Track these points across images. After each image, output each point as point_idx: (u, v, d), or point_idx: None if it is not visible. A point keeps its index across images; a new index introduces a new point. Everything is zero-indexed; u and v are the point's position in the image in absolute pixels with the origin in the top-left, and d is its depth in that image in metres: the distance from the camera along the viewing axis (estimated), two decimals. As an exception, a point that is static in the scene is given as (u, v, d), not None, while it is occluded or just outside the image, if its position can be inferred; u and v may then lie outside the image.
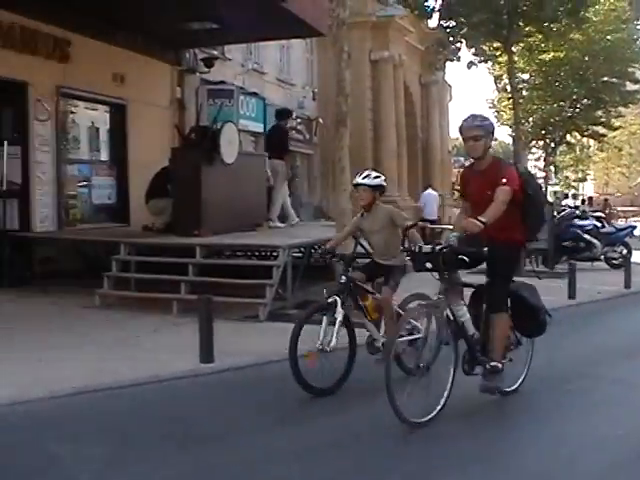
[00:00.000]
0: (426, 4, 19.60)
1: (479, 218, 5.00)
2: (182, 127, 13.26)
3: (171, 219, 10.94)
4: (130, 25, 12.23)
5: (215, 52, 16.08)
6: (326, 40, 19.95)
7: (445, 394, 5.01)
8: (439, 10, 18.72)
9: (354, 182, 6.31)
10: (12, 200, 10.74)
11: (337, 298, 5.75)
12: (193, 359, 6.62)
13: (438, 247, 5.18)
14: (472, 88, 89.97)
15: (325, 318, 5.70)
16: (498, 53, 20.23)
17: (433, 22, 25.42)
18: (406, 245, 5.66)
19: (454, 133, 34.83)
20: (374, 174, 6.29)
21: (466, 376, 5.39)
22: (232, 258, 10.98)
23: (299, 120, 21.12)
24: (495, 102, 31.68)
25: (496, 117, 29.97)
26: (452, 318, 5.26)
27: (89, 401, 5.59)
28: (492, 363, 5.33)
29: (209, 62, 15.58)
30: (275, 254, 9.73)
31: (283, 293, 9.27)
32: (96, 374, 6.10)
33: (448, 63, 26.50)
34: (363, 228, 6.42)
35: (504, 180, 5.14)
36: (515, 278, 5.65)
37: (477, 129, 5.31)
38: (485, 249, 5.32)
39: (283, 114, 13.38)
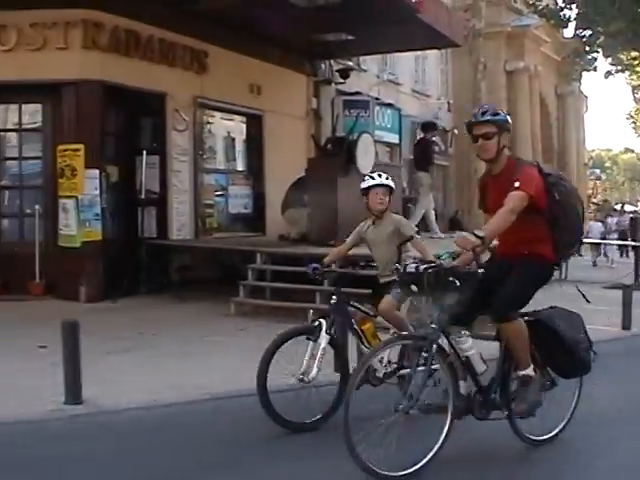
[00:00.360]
0: (562, 13, 18.83)
1: (475, 232, 4.01)
2: (318, 138, 13.14)
3: (307, 229, 10.77)
4: (266, 36, 12.20)
5: (350, 63, 15.91)
6: (461, 51, 19.62)
7: (435, 447, 4.00)
8: (575, 19, 17.97)
9: (371, 183, 5.31)
10: (150, 208, 10.87)
11: (322, 321, 4.88)
12: (328, 368, 6.23)
13: (424, 266, 4.17)
14: (609, 99, 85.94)
15: (310, 344, 4.82)
16: (636, 62, 19.07)
17: (569, 32, 24.62)
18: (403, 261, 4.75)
19: (590, 144, 33.26)
20: (385, 174, 5.45)
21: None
22: (367, 269, 10.59)
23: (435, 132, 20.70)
24: (632, 113, 30.00)
25: (634, 129, 28.32)
26: (452, 351, 4.24)
27: (226, 406, 5.34)
28: (521, 372, 4.37)
29: (345, 73, 15.46)
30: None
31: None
32: (233, 381, 5.84)
33: (584, 73, 25.36)
34: (367, 239, 5.53)
35: (516, 184, 4.17)
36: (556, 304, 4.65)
37: (488, 125, 4.34)
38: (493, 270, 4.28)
39: (428, 127, 13.35)
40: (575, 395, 4.74)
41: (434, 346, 4.05)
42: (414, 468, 3.91)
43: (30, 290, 9.65)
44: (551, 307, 4.55)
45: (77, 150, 9.63)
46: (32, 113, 10.28)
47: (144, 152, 10.66)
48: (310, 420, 4.76)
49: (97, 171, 9.79)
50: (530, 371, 4.36)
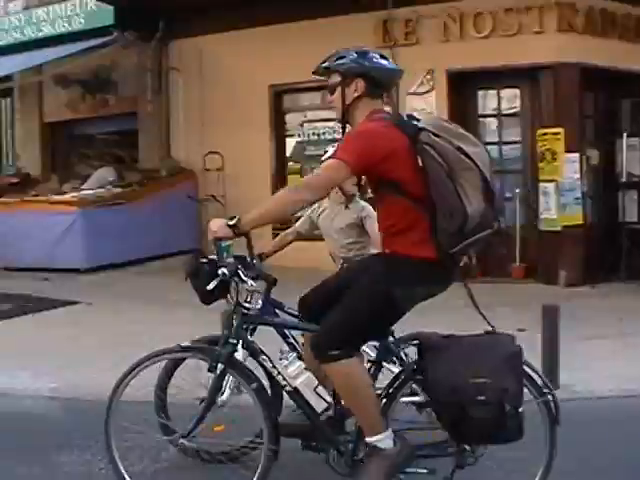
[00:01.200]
0: None
1: (237, 217, 2.95)
2: None
3: None
4: None
5: None
6: None
7: None
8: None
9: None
10: (631, 192, 10.41)
11: None
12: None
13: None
14: None
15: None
16: None
17: None
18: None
19: None
20: None
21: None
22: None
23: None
24: None
25: None
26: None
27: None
28: (368, 439, 3.05)
29: None
30: None
31: None
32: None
33: None
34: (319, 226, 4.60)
35: (331, 150, 3.24)
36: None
37: (327, 73, 3.18)
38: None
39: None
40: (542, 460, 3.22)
41: (219, 364, 3.16)
42: None
43: (511, 273, 10.07)
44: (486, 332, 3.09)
45: (557, 134, 9.69)
46: (510, 98, 10.59)
47: (624, 134, 10.27)
48: (226, 450, 3.64)
49: (577, 155, 9.73)
50: (379, 439, 3.03)
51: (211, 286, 3.09)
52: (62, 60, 12.06)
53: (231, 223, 2.92)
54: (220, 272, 3.05)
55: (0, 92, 13.91)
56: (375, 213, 3.42)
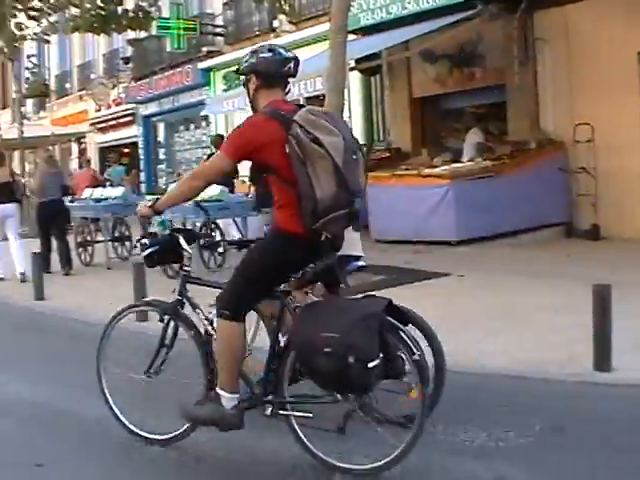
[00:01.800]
0: None
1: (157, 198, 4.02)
2: None
3: None
4: None
5: None
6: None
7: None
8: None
9: None
10: None
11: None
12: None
13: None
14: None
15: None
16: None
17: None
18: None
19: None
20: None
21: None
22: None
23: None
24: None
25: None
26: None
27: None
28: (218, 389, 3.72)
29: None
30: None
31: None
32: None
33: None
34: None
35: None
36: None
37: (243, 68, 3.81)
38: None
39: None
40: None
41: (165, 315, 4.04)
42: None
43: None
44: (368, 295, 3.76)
45: None
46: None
47: None
48: None
49: None
50: (224, 395, 3.68)
51: (146, 253, 3.97)
52: (428, 36, 12.43)
53: (149, 204, 3.86)
54: (145, 242, 3.96)
55: (369, 70, 14.76)
56: None
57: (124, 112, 24.90)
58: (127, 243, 12.39)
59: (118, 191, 12.40)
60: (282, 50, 3.74)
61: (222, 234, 10.29)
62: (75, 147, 27.87)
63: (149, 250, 3.98)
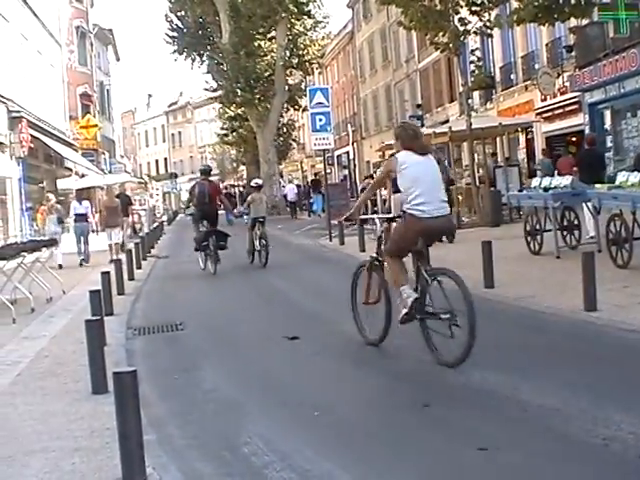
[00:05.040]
0: None
1: None
2: None
3: None
4: None
5: None
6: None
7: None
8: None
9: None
10: None
11: None
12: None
13: None
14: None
15: None
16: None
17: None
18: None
19: None
20: None
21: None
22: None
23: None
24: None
25: None
26: None
27: None
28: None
29: None
30: None
31: None
32: None
33: None
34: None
35: None
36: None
37: None
38: None
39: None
40: None
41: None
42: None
43: None
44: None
45: None
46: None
47: None
48: None
49: None
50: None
51: None
52: None
53: None
54: None
55: None
56: None
57: (569, 101, 24.54)
58: (576, 232, 12.25)
59: (567, 180, 12.31)
60: None
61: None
62: (522, 137, 28.29)
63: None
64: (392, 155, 6.80)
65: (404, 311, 6.24)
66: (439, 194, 6.32)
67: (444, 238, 12.14)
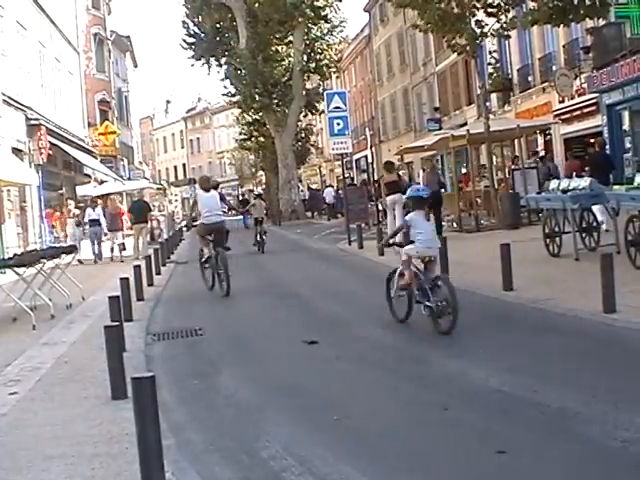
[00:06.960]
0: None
1: None
2: None
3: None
4: None
5: None
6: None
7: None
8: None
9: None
10: None
11: None
12: None
13: None
14: None
15: None
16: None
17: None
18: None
19: None
20: None
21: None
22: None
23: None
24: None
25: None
26: None
27: None
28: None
29: None
30: None
31: None
32: None
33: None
34: None
35: None
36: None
37: None
38: None
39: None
40: None
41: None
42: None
43: None
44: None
45: None
46: None
47: None
48: None
49: None
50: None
51: None
52: None
53: None
54: None
55: None
56: None
57: (587, 102, 24.36)
58: (594, 234, 12.17)
59: (585, 181, 12.23)
60: None
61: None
62: (540, 139, 28.13)
63: None
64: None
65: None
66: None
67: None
